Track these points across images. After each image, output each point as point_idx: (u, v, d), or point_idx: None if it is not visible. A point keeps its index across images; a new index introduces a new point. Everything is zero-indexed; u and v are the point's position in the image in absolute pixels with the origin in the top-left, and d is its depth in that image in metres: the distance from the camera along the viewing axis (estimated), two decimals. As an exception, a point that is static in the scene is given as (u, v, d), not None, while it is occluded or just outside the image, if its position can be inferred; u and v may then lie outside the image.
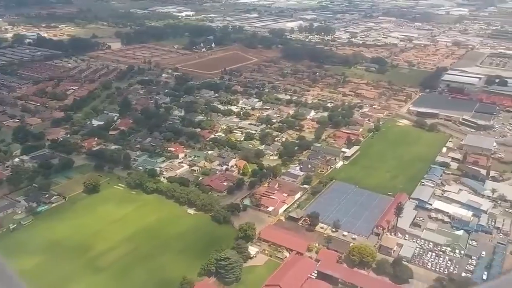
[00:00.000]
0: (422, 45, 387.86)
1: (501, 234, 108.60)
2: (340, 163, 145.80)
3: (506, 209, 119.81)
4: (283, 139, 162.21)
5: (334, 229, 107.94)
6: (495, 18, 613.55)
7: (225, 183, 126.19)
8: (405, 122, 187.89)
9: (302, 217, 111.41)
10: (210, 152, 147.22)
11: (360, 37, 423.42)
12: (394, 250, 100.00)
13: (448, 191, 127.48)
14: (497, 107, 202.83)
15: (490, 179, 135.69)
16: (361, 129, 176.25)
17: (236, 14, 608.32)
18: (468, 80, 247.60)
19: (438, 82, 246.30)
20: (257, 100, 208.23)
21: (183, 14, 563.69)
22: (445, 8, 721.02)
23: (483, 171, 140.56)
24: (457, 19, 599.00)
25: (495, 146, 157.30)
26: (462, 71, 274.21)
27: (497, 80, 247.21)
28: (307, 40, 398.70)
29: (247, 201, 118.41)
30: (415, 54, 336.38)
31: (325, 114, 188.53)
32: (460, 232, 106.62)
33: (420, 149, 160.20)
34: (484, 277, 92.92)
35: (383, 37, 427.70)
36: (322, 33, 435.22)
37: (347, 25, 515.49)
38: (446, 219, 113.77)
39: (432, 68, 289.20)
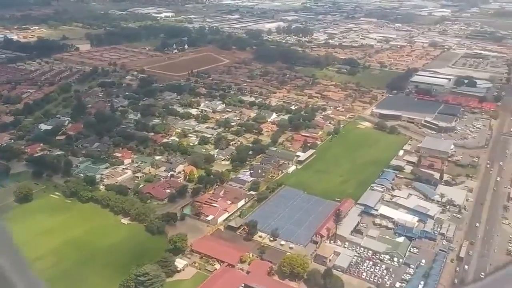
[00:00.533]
0: (399, 46, 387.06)
1: (444, 240, 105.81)
2: (292, 168, 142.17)
3: (454, 214, 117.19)
4: (239, 143, 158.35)
5: (272, 238, 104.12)
6: (476, 19, 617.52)
7: (167, 191, 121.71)
8: (367, 125, 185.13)
9: (241, 226, 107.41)
10: (158, 157, 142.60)
11: (338, 38, 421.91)
12: (330, 260, 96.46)
13: (397, 196, 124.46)
14: (462, 109, 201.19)
15: (443, 183, 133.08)
16: (320, 132, 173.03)
17: (217, 15, 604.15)
18: (437, 81, 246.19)
19: (407, 84, 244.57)
20: (220, 102, 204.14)
21: (162, 15, 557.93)
22: (427, 9, 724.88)
23: (438, 175, 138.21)
24: (438, 20, 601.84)
25: (452, 149, 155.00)
26: (432, 72, 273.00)
27: (466, 81, 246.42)
28: (284, 41, 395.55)
29: (187, 210, 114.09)
30: (389, 55, 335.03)
31: (287, 117, 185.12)
32: (401, 239, 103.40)
33: (377, 152, 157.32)
34: (420, 287, 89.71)
35: (361, 38, 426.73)
36: (300, 34, 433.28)
37: (327, 26, 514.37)
38: (390, 225, 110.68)
39: (404, 69, 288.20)
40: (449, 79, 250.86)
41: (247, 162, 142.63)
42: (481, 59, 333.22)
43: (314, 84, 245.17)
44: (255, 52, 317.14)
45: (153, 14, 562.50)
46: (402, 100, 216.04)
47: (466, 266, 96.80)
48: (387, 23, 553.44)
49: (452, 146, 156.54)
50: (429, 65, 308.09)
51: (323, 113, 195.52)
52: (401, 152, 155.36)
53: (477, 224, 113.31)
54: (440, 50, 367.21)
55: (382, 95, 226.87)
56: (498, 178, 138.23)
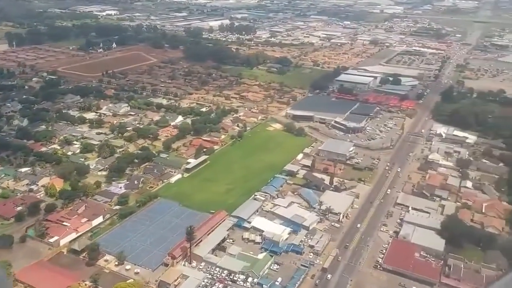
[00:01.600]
0: (339, 44, 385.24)
1: (312, 253, 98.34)
2: (177, 177, 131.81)
3: (333, 223, 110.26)
4: (125, 150, 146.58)
5: (118, 262, 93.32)
6: (427, 16, 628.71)
7: (18, 208, 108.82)
8: (277, 127, 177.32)
9: (85, 248, 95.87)
10: (23, 169, 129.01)
11: (281, 36, 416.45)
12: (175, 285, 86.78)
13: (278, 205, 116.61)
14: (378, 108, 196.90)
15: (332, 188, 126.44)
16: (223, 136, 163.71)
17: (164, 13, 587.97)
18: (363, 79, 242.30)
19: (332, 83, 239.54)
20: (125, 105, 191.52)
21: (104, 13, 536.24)
22: (380, 6, 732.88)
23: (337, 180, 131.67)
24: (388, 17, 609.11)
25: (351, 151, 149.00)
26: (362, 71, 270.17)
27: (391, 79, 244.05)
28: (224, 39, 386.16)
29: (31, 231, 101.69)
30: (326, 53, 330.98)
31: (190, 120, 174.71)
32: (262, 256, 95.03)
33: (277, 156, 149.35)
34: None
35: (304, 37, 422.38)
36: (243, 33, 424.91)
37: (275, 24, 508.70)
38: (259, 239, 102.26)
39: (335, 67, 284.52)
40: (375, 77, 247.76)
41: (127, 172, 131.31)
42: (417, 56, 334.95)
43: (238, 84, 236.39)
44: (186, 50, 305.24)
45: (94, 13, 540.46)
46: (320, 100, 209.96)
47: (329, 277, 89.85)
48: (336, 20, 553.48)
49: (352, 148, 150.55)
50: (362, 63, 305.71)
51: (235, 115, 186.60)
52: (300, 156, 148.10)
53: (354, 233, 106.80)
54: (379, 48, 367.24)
55: (303, 95, 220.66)
56: (392, 182, 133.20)
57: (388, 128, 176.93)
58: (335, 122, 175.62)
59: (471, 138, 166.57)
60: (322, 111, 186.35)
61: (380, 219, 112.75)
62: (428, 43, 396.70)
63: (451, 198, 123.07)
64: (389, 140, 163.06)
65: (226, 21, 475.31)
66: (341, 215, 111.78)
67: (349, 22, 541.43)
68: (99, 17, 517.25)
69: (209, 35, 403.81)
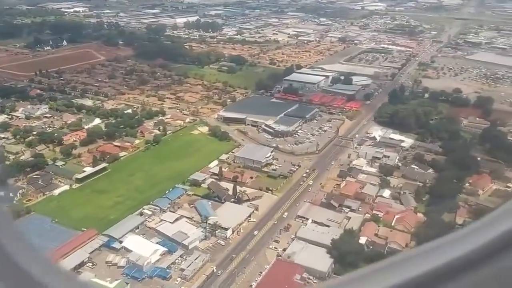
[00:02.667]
0: (305, 41, 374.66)
1: (179, 278, 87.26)
2: (64, 188, 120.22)
3: (219, 241, 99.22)
4: (22, 157, 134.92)
5: None
6: (408, 13, 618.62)
7: None
8: (203, 130, 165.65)
9: None
10: None
11: (249, 34, 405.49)
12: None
13: (164, 220, 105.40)
14: (317, 109, 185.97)
15: (233, 199, 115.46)
16: (137, 141, 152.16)
17: (137, 10, 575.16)
18: (313, 79, 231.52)
19: (281, 82, 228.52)
20: (45, 106, 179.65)
21: (72, 10, 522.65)
22: (362, 3, 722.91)
23: (243, 189, 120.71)
24: (368, 14, 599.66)
25: (268, 157, 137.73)
26: (318, 69, 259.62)
27: (342, 78, 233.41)
28: (186, 36, 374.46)
29: None
30: (287, 51, 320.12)
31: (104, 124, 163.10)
32: (114, 284, 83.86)
33: (191, 163, 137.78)
34: None
35: (273, 34, 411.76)
36: (210, 30, 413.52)
37: (248, 21, 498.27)
38: (123, 262, 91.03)
39: (290, 66, 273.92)
40: (327, 77, 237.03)
41: (8, 183, 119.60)
42: (383, 54, 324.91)
43: (180, 84, 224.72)
44: (138, 48, 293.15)
45: (62, 9, 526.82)
46: (260, 101, 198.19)
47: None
48: (313, 17, 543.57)
49: (269, 154, 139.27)
50: (323, 61, 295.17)
51: (161, 117, 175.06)
52: (213, 163, 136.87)
53: (239, 252, 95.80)
54: (345, 45, 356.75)
55: (245, 96, 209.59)
56: (304, 191, 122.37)
57: (322, 132, 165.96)
58: (265, 125, 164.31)
59: (408, 141, 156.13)
60: (256, 113, 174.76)
61: (273, 235, 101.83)
62: (398, 40, 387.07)
63: (363, 209, 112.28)
64: (320, 144, 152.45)
65: (190, 18, 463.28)
66: (230, 231, 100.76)
67: (325, 19, 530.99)
68: (65, 14, 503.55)
69: (172, 32, 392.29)
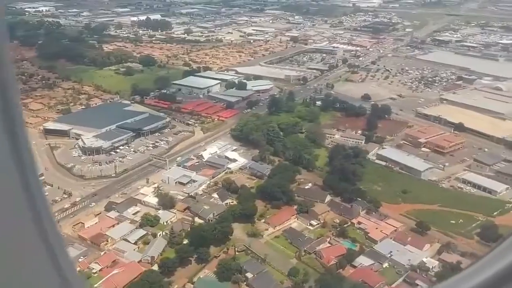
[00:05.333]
0: (252, 41, 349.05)
1: None
2: None
3: None
4: None
5: None
6: (399, 10, 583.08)
7: None
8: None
9: None
10: None
11: (201, 33, 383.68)
12: None
13: None
14: (169, 119, 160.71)
15: None
16: None
17: (106, 9, 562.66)
18: (205, 83, 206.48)
19: (169, 86, 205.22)
20: None
21: (32, 10, 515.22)
22: (357, 0, 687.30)
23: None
24: (353, 11, 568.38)
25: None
26: (233, 72, 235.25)
27: (237, 82, 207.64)
28: (125, 36, 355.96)
29: None
30: (213, 52, 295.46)
31: None
32: None
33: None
34: None
35: (227, 33, 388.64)
36: (158, 29, 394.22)
37: (213, 19, 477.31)
38: None
39: (219, 68, 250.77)
40: (225, 81, 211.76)
41: None
42: (325, 54, 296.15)
43: (51, 88, 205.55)
44: (42, 48, 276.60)
45: (26, 9, 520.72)
46: (111, 108, 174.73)
47: None
48: (292, 15, 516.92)
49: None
50: (248, 62, 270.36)
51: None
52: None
53: None
54: (291, 45, 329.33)
55: (109, 102, 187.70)
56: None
57: (153, 147, 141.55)
58: (81, 140, 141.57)
59: (240, 161, 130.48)
60: (89, 125, 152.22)
61: None
62: (359, 39, 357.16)
63: (88, 258, 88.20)
64: (133, 164, 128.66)
65: (138, 17, 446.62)
66: None
67: (301, 17, 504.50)
68: (25, 14, 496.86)
69: (115, 31, 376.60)
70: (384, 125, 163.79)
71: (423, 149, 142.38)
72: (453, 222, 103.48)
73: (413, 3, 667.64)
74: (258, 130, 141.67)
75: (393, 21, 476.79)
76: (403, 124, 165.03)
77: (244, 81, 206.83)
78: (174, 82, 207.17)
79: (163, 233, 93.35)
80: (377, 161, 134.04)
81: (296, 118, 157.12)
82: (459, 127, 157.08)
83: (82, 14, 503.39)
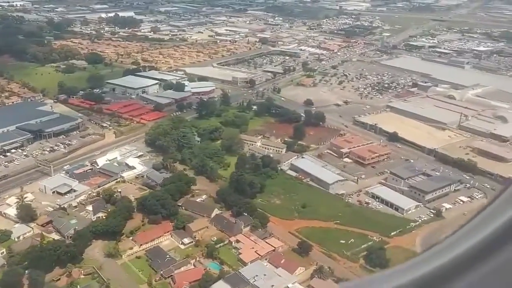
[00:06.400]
0: (218, 41, 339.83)
1: None
2: None
3: None
4: None
5: None
6: (386, 13, 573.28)
7: None
8: None
9: None
10: None
11: (169, 31, 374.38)
12: None
13: None
14: (78, 122, 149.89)
15: None
16: None
17: (84, 5, 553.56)
18: (141, 83, 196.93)
19: (103, 85, 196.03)
20: None
21: (6, 4, 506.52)
22: (345, 3, 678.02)
23: None
24: (337, 14, 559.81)
25: None
26: (181, 72, 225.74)
27: (175, 82, 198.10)
28: (87, 32, 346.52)
29: None
30: (171, 51, 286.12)
31: None
32: None
33: None
34: None
35: (198, 32, 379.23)
36: (126, 27, 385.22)
37: (190, 18, 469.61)
38: None
39: (169, 68, 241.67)
40: (165, 81, 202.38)
41: None
42: (287, 57, 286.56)
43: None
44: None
45: (1, 3, 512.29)
46: (24, 108, 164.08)
47: None
48: (274, 16, 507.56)
49: None
50: (204, 62, 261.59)
51: None
52: None
53: None
54: (257, 47, 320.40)
55: (32, 100, 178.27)
56: None
57: (51, 152, 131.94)
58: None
59: (139, 169, 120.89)
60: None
61: None
62: (329, 42, 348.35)
63: None
64: None
65: (105, 14, 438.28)
66: None
67: (281, 19, 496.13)
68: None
69: (81, 28, 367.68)
70: (316, 132, 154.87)
71: (345, 159, 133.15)
72: (343, 242, 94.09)
73: (402, 7, 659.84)
74: (169, 135, 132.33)
75: (374, 24, 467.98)
76: (335, 132, 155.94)
77: (184, 82, 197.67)
78: (108, 81, 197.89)
79: (2, 252, 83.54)
80: (289, 171, 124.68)
81: (218, 123, 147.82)
82: (393, 137, 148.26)
83: (56, 9, 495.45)
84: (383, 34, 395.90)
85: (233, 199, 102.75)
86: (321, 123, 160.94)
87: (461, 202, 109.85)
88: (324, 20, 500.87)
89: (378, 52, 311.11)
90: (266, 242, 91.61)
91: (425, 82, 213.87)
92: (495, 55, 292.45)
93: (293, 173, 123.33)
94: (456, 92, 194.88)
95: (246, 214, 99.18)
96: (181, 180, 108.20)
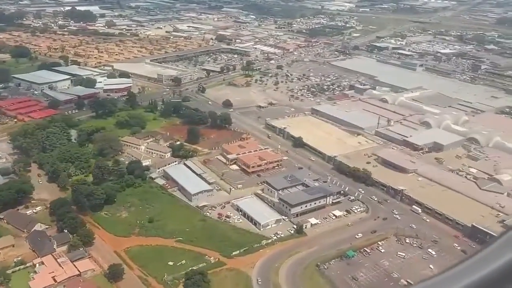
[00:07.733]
0: (172, 37, 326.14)
1: None
2: None
3: None
4: None
5: None
6: (367, 14, 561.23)
7: None
8: None
9: None
10: None
11: (128, 26, 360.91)
12: None
13: None
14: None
15: None
16: None
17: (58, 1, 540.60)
18: (49, 79, 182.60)
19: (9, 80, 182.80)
20: None
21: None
22: (329, 3, 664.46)
23: None
24: (313, 13, 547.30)
25: None
26: (108, 68, 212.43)
27: (85, 77, 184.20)
28: (37, 25, 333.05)
29: None
30: (110, 46, 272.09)
31: None
32: None
33: None
34: None
35: (157, 28, 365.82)
36: (81, 21, 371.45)
37: (155, 14, 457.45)
38: None
39: (99, 63, 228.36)
40: (77, 76, 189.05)
41: None
42: (236, 55, 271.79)
43: None
44: None
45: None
46: None
47: None
48: (248, 14, 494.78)
49: None
50: (141, 58, 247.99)
51: None
52: None
53: None
54: (210, 44, 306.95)
55: None
56: None
57: None
58: None
59: None
60: None
61: None
62: (289, 41, 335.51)
63: None
64: None
65: (62, 8, 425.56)
66: None
67: (254, 17, 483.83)
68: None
69: (33, 21, 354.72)
70: (218, 135, 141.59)
71: (232, 166, 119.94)
72: (171, 263, 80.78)
73: (387, 8, 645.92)
74: (32, 136, 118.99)
75: (348, 25, 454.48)
76: (239, 135, 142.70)
77: (97, 78, 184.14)
78: (14, 76, 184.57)
79: None
80: (159, 179, 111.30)
81: (111, 124, 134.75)
82: (297, 142, 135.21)
83: (21, 2, 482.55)
84: (353, 35, 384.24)
85: (60, 213, 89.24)
86: (226, 125, 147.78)
87: (334, 217, 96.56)
88: (298, 20, 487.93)
89: (336, 53, 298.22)
90: (74, 266, 78.08)
91: (363, 85, 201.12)
92: (454, 57, 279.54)
93: (162, 181, 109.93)
94: (390, 95, 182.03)
95: (66, 231, 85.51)
96: (10, 188, 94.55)
